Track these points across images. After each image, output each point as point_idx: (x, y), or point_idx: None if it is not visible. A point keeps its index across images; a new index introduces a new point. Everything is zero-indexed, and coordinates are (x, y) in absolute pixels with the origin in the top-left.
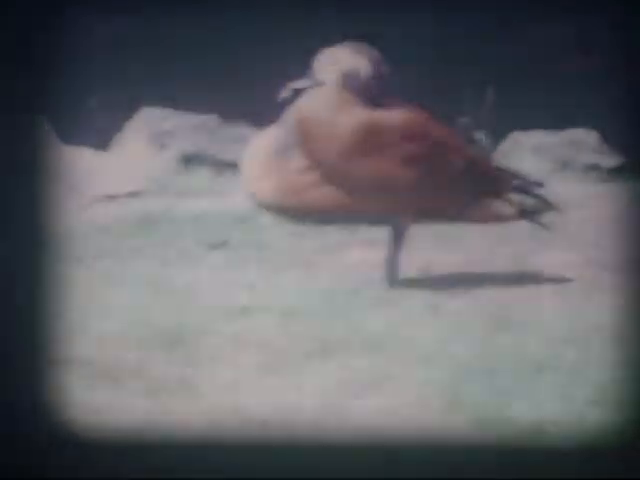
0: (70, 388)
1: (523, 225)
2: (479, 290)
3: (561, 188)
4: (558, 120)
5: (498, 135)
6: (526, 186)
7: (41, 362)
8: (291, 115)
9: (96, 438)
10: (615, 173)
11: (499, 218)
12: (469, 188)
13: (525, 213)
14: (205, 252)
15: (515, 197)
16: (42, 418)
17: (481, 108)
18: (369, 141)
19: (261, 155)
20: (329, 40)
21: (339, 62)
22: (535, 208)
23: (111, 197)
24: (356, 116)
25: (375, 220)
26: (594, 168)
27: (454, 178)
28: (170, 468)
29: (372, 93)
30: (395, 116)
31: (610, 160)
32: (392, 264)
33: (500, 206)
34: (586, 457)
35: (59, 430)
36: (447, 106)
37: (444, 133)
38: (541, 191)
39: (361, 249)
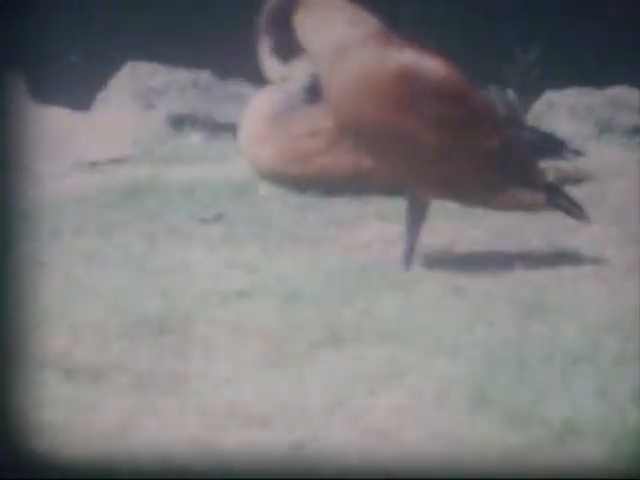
0: (43, 385)
1: None
2: (507, 271)
3: (600, 154)
4: (597, 77)
5: (531, 94)
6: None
7: (9, 355)
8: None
9: (73, 441)
10: None
11: (528, 207)
12: (499, 174)
13: (557, 203)
14: (198, 227)
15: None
16: (10, 421)
17: (522, 62)
18: (400, 91)
19: (261, 116)
20: None
21: None
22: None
23: (92, 164)
24: (388, 58)
25: (391, 190)
26: (638, 131)
27: (486, 156)
28: (159, 474)
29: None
30: (434, 67)
31: None
32: (410, 241)
33: (530, 194)
34: (627, 462)
35: (31, 434)
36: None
37: (484, 103)
38: (579, 160)
39: (375, 224)
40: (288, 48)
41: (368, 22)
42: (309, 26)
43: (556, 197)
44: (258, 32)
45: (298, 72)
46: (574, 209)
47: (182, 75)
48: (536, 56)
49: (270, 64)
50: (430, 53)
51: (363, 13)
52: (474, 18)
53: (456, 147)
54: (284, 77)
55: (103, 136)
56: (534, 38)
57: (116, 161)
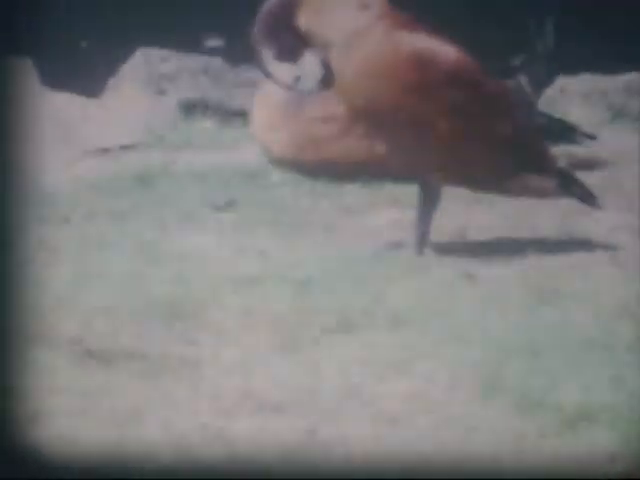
0: (54, 371)
1: None
2: (520, 257)
3: (613, 140)
4: (611, 62)
5: (543, 80)
6: (572, 174)
7: (21, 340)
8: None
9: (85, 426)
10: None
11: (540, 193)
12: (511, 160)
13: (569, 189)
14: (210, 213)
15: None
16: (22, 406)
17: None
18: (414, 75)
19: (274, 102)
20: None
21: None
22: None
23: (103, 150)
24: (401, 42)
25: (404, 177)
26: None
27: (499, 142)
28: (170, 460)
29: None
30: (448, 52)
31: None
32: (422, 227)
33: (542, 180)
34: None
35: (42, 419)
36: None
37: (496, 89)
38: (593, 144)
39: (387, 210)
40: (291, 49)
41: (377, 4)
42: (317, 15)
43: (568, 183)
44: (256, 44)
45: (308, 68)
46: (586, 195)
47: (193, 61)
48: (549, 42)
49: (279, 71)
50: (442, 36)
51: None
52: (484, 5)
53: (469, 132)
54: (297, 77)
55: (114, 122)
56: (547, 23)
57: (127, 147)
